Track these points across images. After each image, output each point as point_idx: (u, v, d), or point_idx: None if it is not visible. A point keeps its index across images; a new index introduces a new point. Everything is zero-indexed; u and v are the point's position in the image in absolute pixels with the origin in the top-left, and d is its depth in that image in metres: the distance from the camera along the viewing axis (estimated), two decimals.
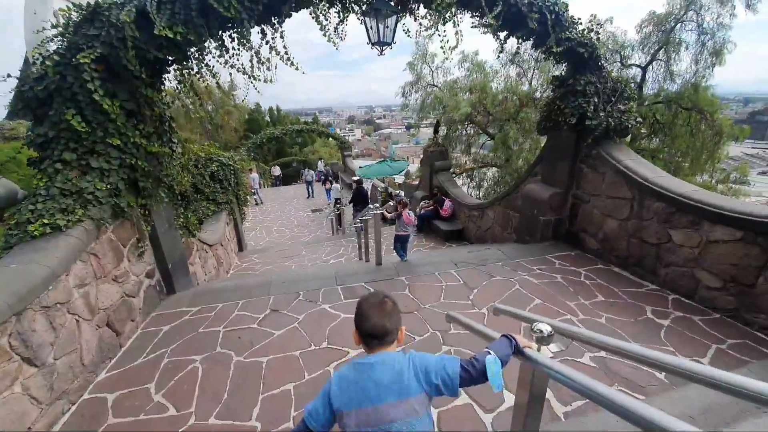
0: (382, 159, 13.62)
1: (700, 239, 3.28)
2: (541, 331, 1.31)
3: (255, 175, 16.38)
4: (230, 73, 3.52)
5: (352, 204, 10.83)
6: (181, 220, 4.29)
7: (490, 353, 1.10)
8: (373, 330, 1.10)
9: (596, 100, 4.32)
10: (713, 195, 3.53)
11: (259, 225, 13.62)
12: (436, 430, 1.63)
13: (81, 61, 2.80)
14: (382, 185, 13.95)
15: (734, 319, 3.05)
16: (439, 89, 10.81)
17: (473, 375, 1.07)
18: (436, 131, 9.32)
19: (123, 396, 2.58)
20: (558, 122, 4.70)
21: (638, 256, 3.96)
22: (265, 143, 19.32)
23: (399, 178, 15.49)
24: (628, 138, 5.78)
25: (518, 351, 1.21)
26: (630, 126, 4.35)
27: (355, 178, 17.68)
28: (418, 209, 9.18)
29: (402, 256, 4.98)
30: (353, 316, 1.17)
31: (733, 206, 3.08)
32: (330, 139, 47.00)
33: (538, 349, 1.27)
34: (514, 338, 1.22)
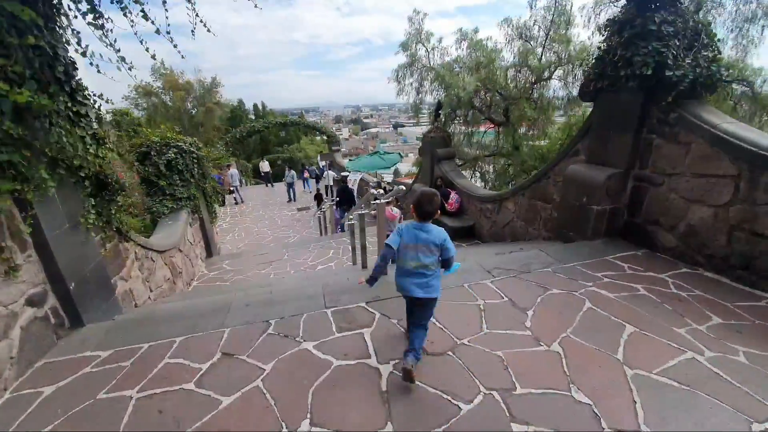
0: (374, 152, 12.36)
1: None
2: None
3: (234, 171, 14.88)
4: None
5: (336, 204, 9.57)
6: (94, 216, 2.93)
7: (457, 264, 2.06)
8: (426, 214, 1.95)
9: (677, 43, 3.19)
10: None
11: (238, 226, 12.17)
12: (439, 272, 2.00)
13: None
14: (373, 180, 12.71)
15: None
16: (441, 68, 9.62)
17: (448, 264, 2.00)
18: (437, 114, 8.14)
19: None
20: (618, 79, 3.55)
21: (747, 256, 2.83)
22: (245, 137, 17.78)
23: (388, 177, 14.29)
24: None
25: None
26: (721, 78, 3.23)
27: (344, 174, 16.45)
28: None
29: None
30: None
31: None
32: (317, 136, 45.46)
33: None
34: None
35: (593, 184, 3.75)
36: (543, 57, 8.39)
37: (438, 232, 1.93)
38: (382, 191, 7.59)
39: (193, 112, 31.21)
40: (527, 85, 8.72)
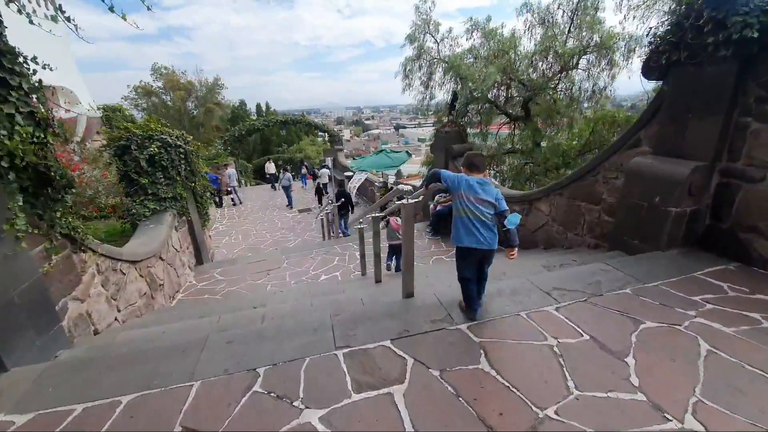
0: (379, 150, 11.61)
1: None
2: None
3: (232, 171, 14.15)
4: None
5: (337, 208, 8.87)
6: (24, 222, 2.18)
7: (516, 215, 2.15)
8: (478, 166, 2.20)
9: None
10: None
11: (235, 228, 11.42)
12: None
13: None
14: (380, 180, 11.96)
15: None
16: (453, 57, 8.83)
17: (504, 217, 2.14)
18: (452, 107, 7.39)
19: None
20: (702, 48, 2.80)
21: None
22: (244, 136, 17.07)
23: (391, 178, 13.45)
24: None
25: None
26: None
27: (348, 174, 15.71)
28: (432, 205, 7.21)
29: (399, 269, 4.63)
30: None
31: None
32: (318, 137, 44.82)
33: None
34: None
35: (671, 179, 2.98)
36: (568, 43, 7.60)
37: (492, 187, 2.18)
38: (411, 187, 6.83)
39: (194, 112, 30.69)
40: (551, 75, 7.92)
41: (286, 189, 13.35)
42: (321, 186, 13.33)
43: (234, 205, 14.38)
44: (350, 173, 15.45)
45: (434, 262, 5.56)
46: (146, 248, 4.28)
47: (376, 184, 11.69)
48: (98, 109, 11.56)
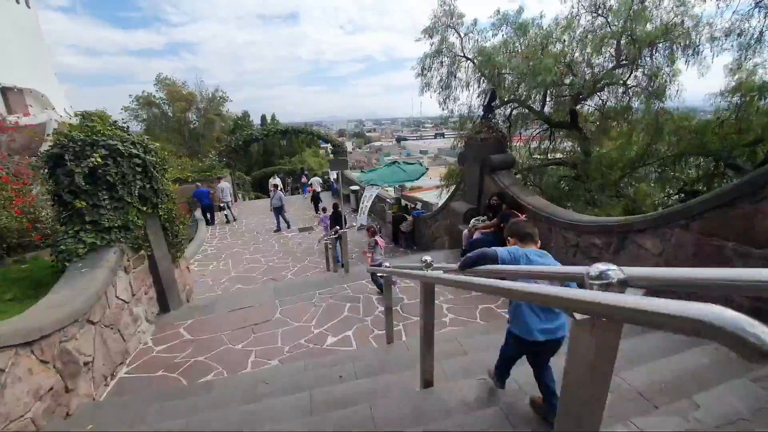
0: (391, 162, 10.18)
1: None
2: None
3: (225, 184, 12.72)
4: None
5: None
6: None
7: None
8: (527, 233, 1.93)
9: None
10: None
11: (225, 251, 9.90)
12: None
13: None
14: (392, 196, 10.49)
15: None
16: (486, 50, 7.42)
17: None
18: (488, 108, 5.95)
19: None
20: None
21: None
22: (242, 146, 15.74)
23: (390, 191, 11.84)
24: None
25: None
26: None
27: (353, 188, 14.26)
28: (467, 231, 5.70)
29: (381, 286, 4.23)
30: None
31: None
32: (321, 149, 43.83)
33: None
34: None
35: None
36: (637, 29, 6.16)
37: (554, 260, 1.88)
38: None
39: (195, 124, 29.89)
40: (610, 69, 6.38)
41: (278, 210, 10.93)
42: (317, 194, 13.61)
43: (227, 222, 12.90)
44: (356, 187, 14.04)
45: (463, 319, 4.01)
46: (61, 312, 2.77)
47: (388, 200, 10.21)
48: (75, 115, 10.27)
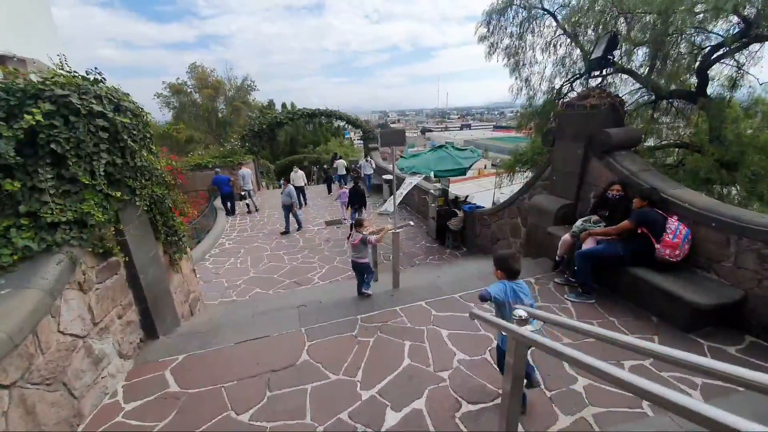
0: (438, 145, 8.51)
1: None
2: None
3: (246, 171, 11.56)
4: None
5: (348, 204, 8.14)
6: None
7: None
8: (517, 272, 2.16)
9: None
10: None
11: (245, 246, 8.72)
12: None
13: None
14: (436, 186, 8.86)
15: None
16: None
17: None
18: (605, 59, 4.17)
19: None
20: None
21: None
22: (265, 130, 14.54)
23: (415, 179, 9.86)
24: None
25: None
26: None
27: (387, 177, 12.74)
28: (568, 237, 4.04)
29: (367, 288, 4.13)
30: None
31: None
32: (346, 138, 42.53)
33: None
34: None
35: None
36: None
37: (528, 290, 2.18)
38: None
39: (221, 113, 29.81)
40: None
41: (287, 209, 9.09)
42: (329, 176, 14.09)
43: (249, 212, 11.79)
44: (389, 176, 12.52)
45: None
46: None
47: (431, 191, 8.61)
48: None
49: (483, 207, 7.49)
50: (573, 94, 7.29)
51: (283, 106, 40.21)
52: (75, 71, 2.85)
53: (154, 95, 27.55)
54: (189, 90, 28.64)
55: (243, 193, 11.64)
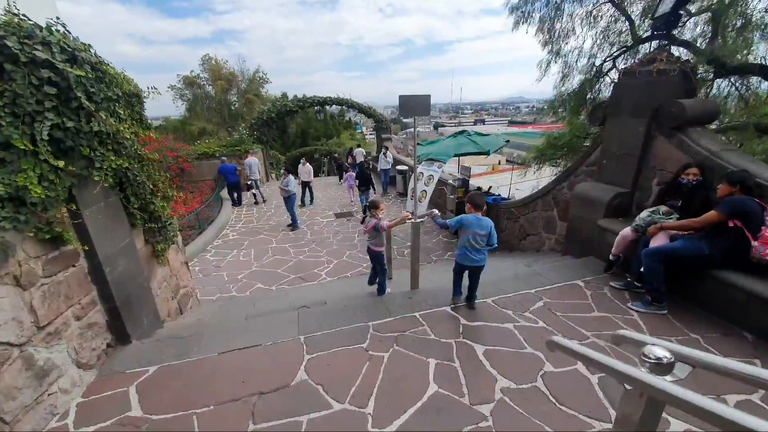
0: (460, 131, 7.77)
1: None
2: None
3: (253, 159, 11.05)
4: None
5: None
6: None
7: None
8: (480, 206, 2.93)
9: None
10: None
11: (249, 237, 8.22)
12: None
13: None
14: (457, 177, 8.14)
15: None
16: None
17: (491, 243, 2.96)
18: (677, 18, 3.40)
19: None
20: None
21: None
22: (275, 119, 14.00)
23: (431, 169, 8.92)
24: None
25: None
26: None
27: (401, 168, 12.07)
28: (629, 231, 3.29)
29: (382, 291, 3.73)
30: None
31: None
32: (358, 130, 41.82)
33: None
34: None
35: None
36: None
37: (488, 222, 2.91)
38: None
39: (235, 105, 29.74)
40: None
41: (288, 202, 8.38)
42: (340, 163, 14.37)
43: (256, 203, 11.31)
44: (404, 167, 11.80)
45: None
46: None
47: (450, 182, 7.89)
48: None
49: (508, 199, 6.73)
50: (614, 74, 6.44)
51: (295, 98, 39.79)
52: (25, 15, 2.27)
53: (168, 87, 27.62)
54: (202, 83, 28.62)
55: (249, 182, 11.15)
